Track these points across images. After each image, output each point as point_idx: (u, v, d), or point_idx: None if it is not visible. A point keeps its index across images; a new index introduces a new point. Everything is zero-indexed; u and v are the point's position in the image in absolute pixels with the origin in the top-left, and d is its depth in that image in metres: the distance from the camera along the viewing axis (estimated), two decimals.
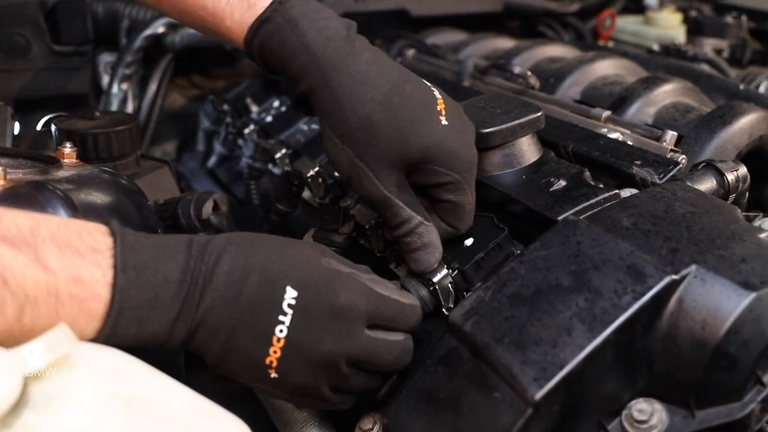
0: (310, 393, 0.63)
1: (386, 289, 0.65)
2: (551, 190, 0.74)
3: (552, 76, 1.09)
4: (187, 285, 0.56)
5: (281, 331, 0.58)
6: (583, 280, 0.61)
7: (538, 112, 0.79)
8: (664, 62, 1.19)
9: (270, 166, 1.08)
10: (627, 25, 1.56)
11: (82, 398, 0.48)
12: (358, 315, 0.61)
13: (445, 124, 0.70)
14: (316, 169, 0.91)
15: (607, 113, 0.90)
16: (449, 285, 0.71)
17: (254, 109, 1.22)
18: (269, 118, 1.17)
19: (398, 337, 0.64)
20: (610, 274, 0.60)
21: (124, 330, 0.53)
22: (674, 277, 0.58)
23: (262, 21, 0.70)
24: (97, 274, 0.52)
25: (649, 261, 0.60)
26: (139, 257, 0.54)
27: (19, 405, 0.46)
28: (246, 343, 0.58)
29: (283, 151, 1.05)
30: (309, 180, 0.87)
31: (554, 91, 1.07)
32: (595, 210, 0.70)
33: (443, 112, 0.71)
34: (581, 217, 0.68)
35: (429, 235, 0.71)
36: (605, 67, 1.10)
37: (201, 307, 0.56)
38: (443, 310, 0.71)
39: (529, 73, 1.02)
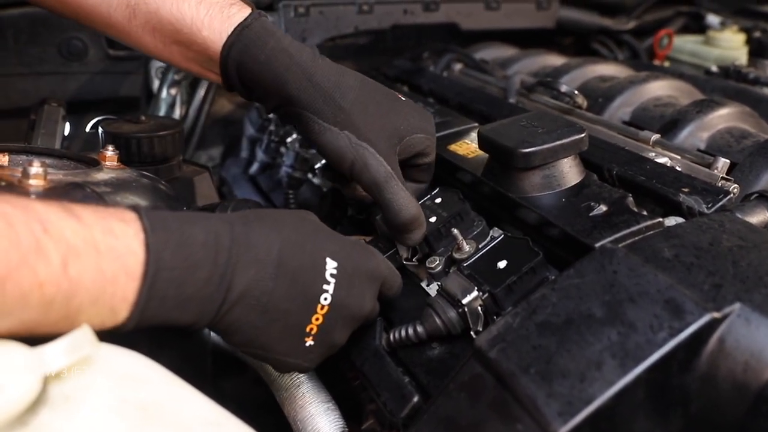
0: (332, 351, 0.68)
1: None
2: (591, 215, 0.71)
3: (601, 95, 1.06)
4: (222, 250, 0.57)
5: (326, 299, 0.63)
6: (617, 312, 0.58)
7: (581, 133, 0.76)
8: (722, 84, 1.15)
9: (309, 175, 1.07)
10: (686, 44, 1.51)
11: (97, 402, 0.49)
12: (380, 278, 0.69)
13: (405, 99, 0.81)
14: None
15: (656, 136, 0.87)
16: (479, 308, 0.69)
17: None
18: None
19: None
20: (646, 308, 0.57)
21: (162, 292, 0.53)
22: (715, 315, 0.54)
23: (244, 26, 0.75)
24: (129, 232, 0.53)
25: (689, 296, 0.57)
26: (164, 222, 0.55)
27: (37, 403, 0.47)
28: (290, 312, 0.61)
29: (323, 161, 1.05)
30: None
31: (602, 112, 1.04)
32: (636, 238, 0.67)
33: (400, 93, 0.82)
34: (620, 246, 0.65)
35: (422, 214, 0.77)
36: (658, 88, 1.06)
37: (244, 276, 0.58)
38: (471, 333, 0.69)
39: (576, 91, 0.99)
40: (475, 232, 0.81)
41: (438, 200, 0.84)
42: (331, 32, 1.28)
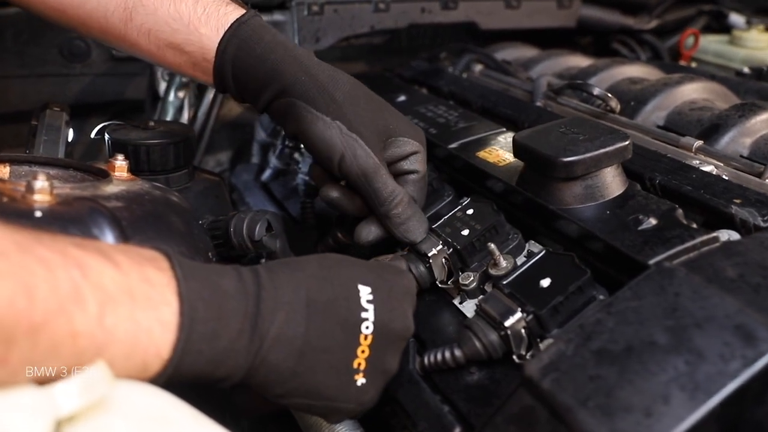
0: (386, 382, 0.63)
1: None
2: (639, 228, 0.66)
3: (633, 98, 1.01)
4: (250, 298, 0.53)
5: (367, 327, 0.59)
6: (681, 339, 0.53)
7: (625, 141, 0.72)
8: (756, 87, 1.10)
9: None
10: (710, 44, 1.46)
11: None
12: (414, 294, 0.66)
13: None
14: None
15: (699, 143, 0.82)
16: (522, 330, 0.64)
17: None
18: None
19: None
20: (714, 334, 0.52)
21: (196, 346, 0.50)
22: None
23: (241, 22, 0.76)
24: (163, 280, 0.49)
25: (761, 322, 0.52)
26: (195, 272, 0.52)
27: None
28: (330, 350, 0.57)
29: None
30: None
31: (635, 116, 0.99)
32: (690, 255, 0.62)
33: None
34: (675, 263, 0.60)
35: (414, 204, 0.77)
36: (692, 91, 1.01)
37: (273, 321, 0.54)
38: (513, 357, 0.64)
39: (609, 95, 0.94)
40: (511, 246, 0.76)
41: (470, 211, 0.79)
42: (346, 31, 1.22)
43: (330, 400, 0.59)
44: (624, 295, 0.58)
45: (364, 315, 0.58)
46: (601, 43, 1.55)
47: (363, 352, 0.59)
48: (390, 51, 1.43)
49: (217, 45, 0.76)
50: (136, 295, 0.47)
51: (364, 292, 0.59)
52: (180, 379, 0.50)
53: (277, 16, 1.20)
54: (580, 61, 1.22)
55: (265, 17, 1.19)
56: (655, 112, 0.99)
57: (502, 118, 1.00)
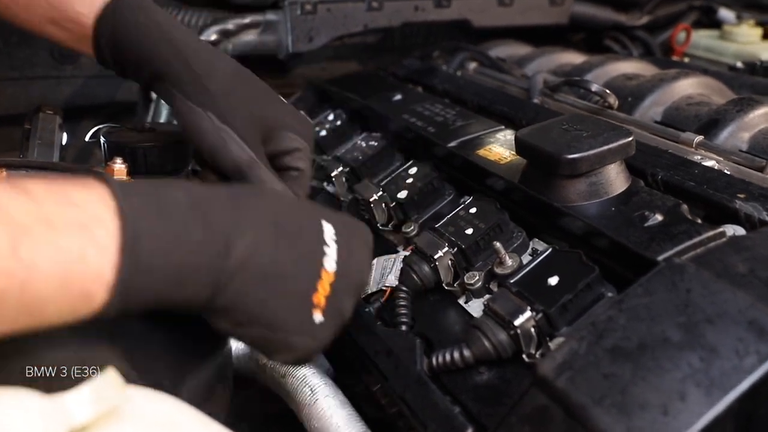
0: (341, 326, 0.61)
1: None
2: (646, 225, 0.66)
3: (630, 94, 1.01)
4: (212, 212, 0.51)
5: (330, 265, 0.57)
6: (695, 335, 0.53)
7: (629, 137, 0.72)
8: (750, 81, 1.10)
9: (325, 184, 1.01)
10: (700, 39, 1.47)
11: None
12: (372, 247, 0.65)
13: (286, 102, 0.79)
14: (379, 194, 0.87)
15: (699, 138, 0.82)
16: (532, 329, 0.63)
17: None
18: (323, 132, 1.11)
19: None
20: (727, 330, 0.52)
21: (146, 264, 0.46)
22: None
23: (116, 1, 0.73)
24: (92, 198, 0.46)
25: None
26: (136, 186, 0.49)
27: None
28: (295, 278, 0.55)
29: (340, 168, 0.99)
30: (371, 205, 0.85)
31: (632, 111, 0.99)
32: (698, 251, 0.62)
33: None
34: (683, 258, 0.60)
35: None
36: (689, 86, 1.01)
37: (242, 241, 0.51)
38: (523, 356, 0.64)
39: (607, 91, 0.94)
40: (516, 245, 0.75)
41: (473, 210, 0.78)
42: (340, 30, 1.22)
43: (287, 332, 0.55)
44: (635, 292, 0.58)
45: (327, 251, 0.57)
46: (593, 39, 1.56)
47: (324, 288, 0.57)
48: (383, 50, 1.42)
49: (93, 24, 0.73)
50: (54, 222, 0.43)
51: (328, 230, 0.58)
52: (137, 305, 0.47)
53: (270, 16, 1.19)
54: (573, 58, 1.22)
55: (258, 17, 1.18)
56: (652, 108, 0.99)
57: (499, 115, 1.00)
